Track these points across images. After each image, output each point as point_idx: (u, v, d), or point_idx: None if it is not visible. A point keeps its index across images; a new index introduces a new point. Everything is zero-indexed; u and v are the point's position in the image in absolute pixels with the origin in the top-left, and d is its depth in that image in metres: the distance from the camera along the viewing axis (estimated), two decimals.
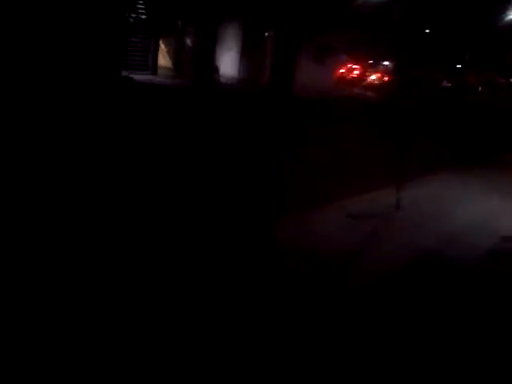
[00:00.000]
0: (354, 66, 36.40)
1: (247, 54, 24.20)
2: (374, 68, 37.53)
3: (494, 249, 5.68)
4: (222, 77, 24.32)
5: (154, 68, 20.15)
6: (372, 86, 33.74)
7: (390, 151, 7.82)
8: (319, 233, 5.34)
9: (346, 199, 6.62)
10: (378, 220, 6.06)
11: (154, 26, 19.90)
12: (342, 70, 34.22)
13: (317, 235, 5.24)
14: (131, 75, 17.62)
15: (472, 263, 5.26)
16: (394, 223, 6.14)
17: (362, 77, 35.17)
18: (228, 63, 25.18)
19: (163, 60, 22.52)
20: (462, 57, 39.24)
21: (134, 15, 18.81)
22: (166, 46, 22.61)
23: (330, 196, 6.57)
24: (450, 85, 37.80)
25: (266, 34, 23.39)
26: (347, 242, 5.20)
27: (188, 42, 21.50)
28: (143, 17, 19.67)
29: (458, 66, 38.13)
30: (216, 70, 22.96)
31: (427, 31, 36.13)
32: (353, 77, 34.95)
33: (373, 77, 36.37)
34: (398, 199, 6.53)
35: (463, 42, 35.85)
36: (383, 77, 36.76)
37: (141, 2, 19.50)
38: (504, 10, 32.65)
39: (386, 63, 39.79)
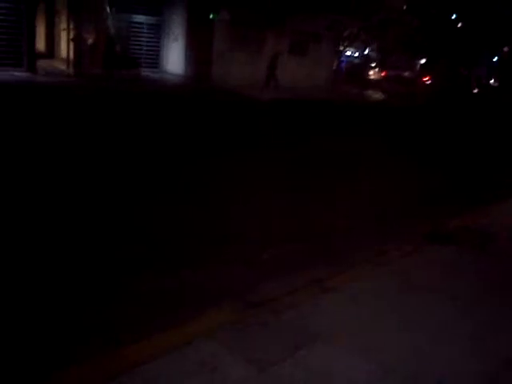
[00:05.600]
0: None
1: (192, 44, 17.87)
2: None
3: None
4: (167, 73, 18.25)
5: (30, 61, 13.86)
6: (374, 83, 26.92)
7: None
8: None
9: None
10: None
11: None
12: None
13: None
14: None
15: None
16: None
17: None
18: (173, 57, 19.02)
19: (64, 48, 16.10)
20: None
21: None
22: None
23: None
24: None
25: (211, 16, 16.92)
26: None
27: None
28: None
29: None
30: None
31: (453, 17, 28.59)
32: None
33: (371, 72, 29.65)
34: None
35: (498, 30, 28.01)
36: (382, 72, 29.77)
37: None
38: None
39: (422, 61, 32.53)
